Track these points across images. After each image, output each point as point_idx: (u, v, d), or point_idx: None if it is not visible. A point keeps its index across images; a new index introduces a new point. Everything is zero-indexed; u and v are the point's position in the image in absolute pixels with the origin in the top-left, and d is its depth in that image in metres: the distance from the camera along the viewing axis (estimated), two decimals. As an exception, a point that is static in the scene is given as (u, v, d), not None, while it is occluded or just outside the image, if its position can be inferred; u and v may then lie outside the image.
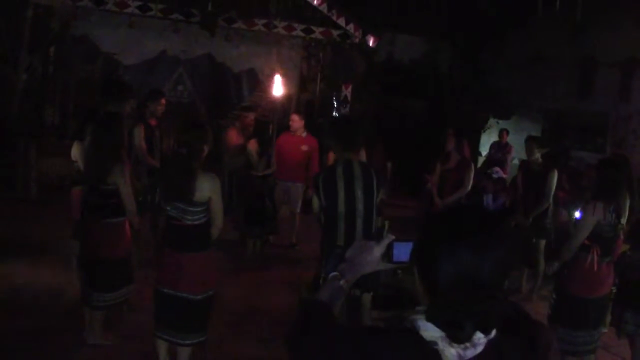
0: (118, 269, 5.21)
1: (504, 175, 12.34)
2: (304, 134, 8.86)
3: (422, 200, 8.52)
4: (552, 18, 12.39)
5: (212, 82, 13.01)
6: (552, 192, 7.71)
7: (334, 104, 12.82)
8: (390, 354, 1.53)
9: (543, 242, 7.85)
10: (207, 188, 4.39)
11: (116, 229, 5.18)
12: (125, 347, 5.35)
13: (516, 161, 12.66)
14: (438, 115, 13.61)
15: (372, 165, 5.78)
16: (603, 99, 12.49)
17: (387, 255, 1.89)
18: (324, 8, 11.64)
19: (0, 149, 10.22)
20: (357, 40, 12.18)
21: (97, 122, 5.16)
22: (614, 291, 5.77)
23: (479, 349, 1.52)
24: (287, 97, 12.66)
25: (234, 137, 8.71)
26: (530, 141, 8.04)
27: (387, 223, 2.26)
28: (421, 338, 1.52)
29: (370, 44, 12.41)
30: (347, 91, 12.55)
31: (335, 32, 12.09)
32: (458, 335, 1.49)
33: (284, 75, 11.04)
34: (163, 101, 7.54)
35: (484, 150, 14.78)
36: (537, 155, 7.85)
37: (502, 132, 13.97)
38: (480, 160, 14.40)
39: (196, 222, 4.43)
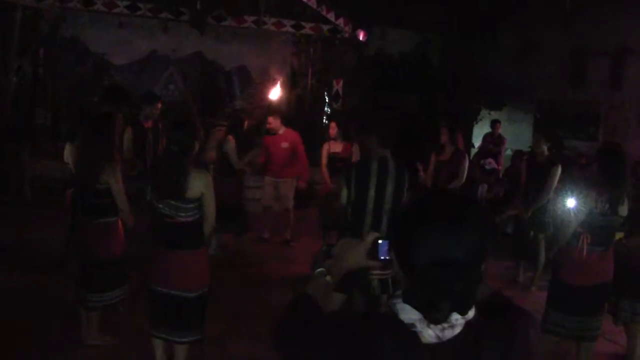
0: (112, 269, 5.19)
1: (497, 167, 12.37)
2: (282, 131, 8.88)
3: (416, 192, 8.51)
4: (543, 8, 12.46)
5: (203, 80, 13.01)
6: (554, 187, 7.70)
7: (325, 99, 12.82)
8: (368, 338, 1.56)
9: (542, 236, 7.86)
10: (199, 185, 4.37)
11: (109, 228, 5.16)
12: (122, 346, 5.33)
13: (509, 152, 12.67)
14: (430, 108, 13.61)
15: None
16: (595, 87, 12.50)
17: (372, 252, 1.90)
18: (313, 3, 11.64)
19: (-8, 152, 10.20)
20: (347, 35, 12.19)
21: (89, 121, 5.15)
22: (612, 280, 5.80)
23: (457, 330, 1.54)
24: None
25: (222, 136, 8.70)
26: (538, 134, 8.10)
27: None
28: (399, 321, 1.55)
29: (361, 38, 12.42)
30: (338, 86, 12.56)
31: (325, 27, 12.10)
32: (435, 316, 1.52)
33: (274, 72, 11.08)
34: (159, 105, 7.52)
35: (477, 142, 14.78)
36: (544, 147, 7.83)
37: (495, 124, 13.96)
38: (473, 151, 14.40)
39: (189, 219, 4.41)
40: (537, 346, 1.78)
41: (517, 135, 13.86)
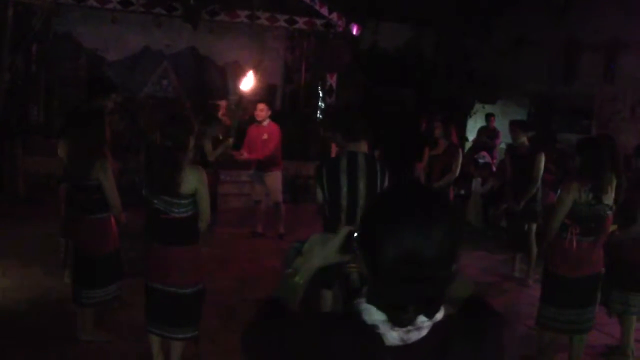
0: (106, 265, 5.19)
1: (491, 160, 12.39)
2: (266, 123, 8.86)
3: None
4: (536, 2, 12.47)
5: (196, 75, 12.98)
6: (540, 176, 7.74)
7: (319, 94, 12.81)
8: (329, 339, 1.50)
9: (534, 226, 7.89)
10: (193, 180, 4.37)
11: (101, 224, 5.16)
12: (118, 342, 5.33)
13: (503, 145, 12.70)
14: (424, 102, 13.62)
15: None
16: (588, 81, 12.53)
17: (345, 247, 1.80)
18: (307, -2, 11.63)
19: (-15, 149, 10.18)
20: (340, 29, 12.17)
21: (79, 118, 5.14)
22: (603, 271, 5.82)
23: (423, 332, 1.47)
24: (271, 88, 12.69)
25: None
26: (513, 125, 8.06)
27: None
28: (362, 322, 1.47)
29: (354, 32, 12.41)
30: (332, 81, 12.56)
31: (318, 22, 12.09)
32: (400, 318, 1.44)
33: (267, 67, 11.06)
34: (114, 96, 7.14)
35: (471, 136, 14.81)
36: (523, 139, 7.86)
37: (489, 118, 14.00)
38: (467, 145, 14.43)
39: (183, 215, 4.42)
40: (510, 349, 1.67)
41: (511, 128, 13.87)
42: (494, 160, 12.73)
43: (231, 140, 8.33)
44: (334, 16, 12.02)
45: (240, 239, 8.97)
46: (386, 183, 5.01)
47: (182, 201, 4.38)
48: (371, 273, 1.49)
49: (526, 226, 7.89)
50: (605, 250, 5.57)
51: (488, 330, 1.64)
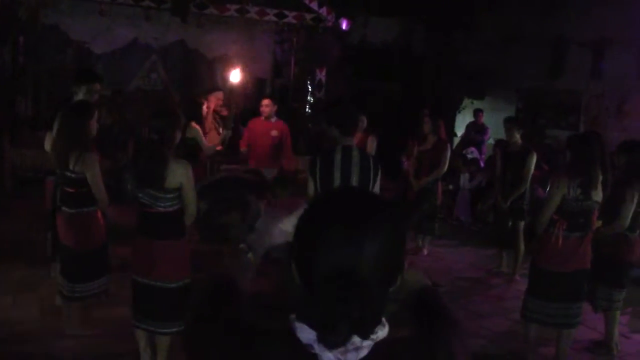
0: (93, 259, 5.17)
1: (479, 156, 12.44)
2: (274, 119, 8.77)
3: (399, 181, 8.57)
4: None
5: (185, 69, 12.93)
6: (530, 176, 7.76)
7: (308, 88, 12.80)
8: (267, 357, 1.38)
9: (522, 224, 7.92)
10: (178, 175, 4.36)
11: (88, 218, 5.14)
12: (105, 337, 5.31)
13: (491, 141, 12.73)
14: (413, 97, 13.63)
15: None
16: (576, 77, 12.56)
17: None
18: (296, -9, 11.62)
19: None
20: (330, 23, 12.16)
21: (65, 110, 5.11)
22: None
23: (363, 352, 1.32)
24: (260, 82, 12.67)
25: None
26: (509, 123, 8.02)
27: None
28: (297, 340, 1.34)
29: (344, 27, 12.40)
30: (321, 75, 12.56)
31: (308, 16, 12.07)
32: (330, 338, 1.29)
33: (257, 61, 11.03)
34: (97, 86, 6.82)
35: (460, 131, 14.84)
36: (517, 136, 7.86)
37: (478, 113, 14.03)
38: (456, 141, 14.46)
39: (169, 209, 4.41)
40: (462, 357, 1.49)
41: (499, 124, 13.84)
42: (482, 156, 12.78)
43: (228, 132, 8.28)
44: (324, 10, 12.01)
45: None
46: (379, 180, 5.02)
47: (168, 195, 4.37)
48: (304, 286, 1.36)
49: (510, 223, 7.91)
50: (591, 247, 5.62)
51: (437, 346, 1.45)
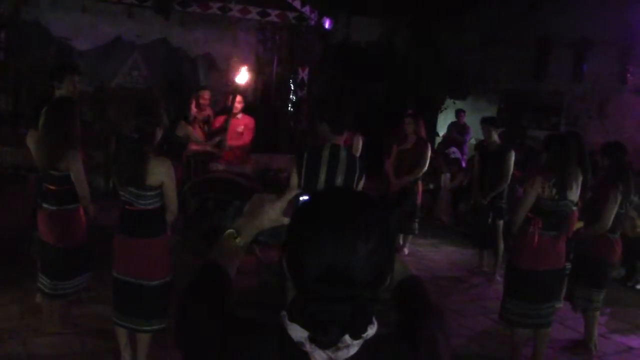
0: (75, 256, 5.15)
1: (461, 156, 12.51)
2: (240, 116, 8.77)
3: (380, 181, 8.59)
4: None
5: (168, 67, 12.86)
6: (510, 173, 7.82)
7: (290, 87, 12.79)
8: (252, 354, 1.39)
9: (501, 223, 7.98)
10: (159, 172, 4.35)
11: (70, 216, 5.12)
12: (85, 334, 5.30)
13: (473, 141, 12.80)
14: (396, 97, 13.67)
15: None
16: (558, 79, 12.67)
17: (292, 210, 1.67)
18: (279, -10, 11.60)
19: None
20: (313, 22, 12.16)
21: (49, 107, 5.08)
22: (569, 267, 5.92)
23: (353, 350, 1.35)
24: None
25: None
26: (486, 123, 8.11)
27: None
28: (289, 338, 1.35)
29: (327, 26, 12.40)
30: (303, 74, 12.56)
31: (291, 15, 12.06)
32: (321, 338, 1.32)
33: (240, 59, 10.96)
34: (76, 78, 6.62)
35: (442, 131, 14.90)
36: (495, 135, 7.95)
37: (460, 113, 14.11)
38: (438, 140, 14.52)
39: (149, 207, 4.40)
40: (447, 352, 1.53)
41: (481, 124, 13.99)
42: (464, 156, 12.86)
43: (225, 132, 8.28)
44: (307, 9, 12.01)
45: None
46: (362, 182, 5.03)
47: (149, 193, 4.36)
48: (296, 285, 1.37)
49: (489, 219, 7.96)
50: (571, 247, 5.67)
51: (419, 345, 1.48)
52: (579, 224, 5.94)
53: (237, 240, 1.71)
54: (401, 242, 8.74)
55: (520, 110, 13.86)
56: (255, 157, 9.52)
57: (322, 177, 4.88)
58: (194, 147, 8.07)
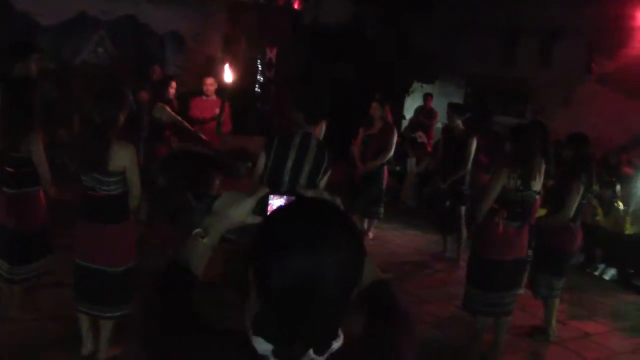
0: (33, 240, 5.06)
1: (427, 140, 12.56)
2: (214, 97, 8.69)
3: (345, 165, 8.58)
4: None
5: (134, 44, 12.66)
6: (471, 159, 7.90)
7: (258, 67, 12.70)
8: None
9: (462, 209, 8.06)
10: (121, 157, 4.28)
11: (31, 198, 5.02)
12: (46, 321, 5.23)
13: (440, 125, 12.85)
14: (365, 80, 13.63)
15: None
16: (525, 66, 12.74)
17: (261, 208, 1.66)
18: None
19: None
20: (282, 2, 12.07)
21: (9, 87, 4.96)
22: (530, 254, 5.99)
23: None
24: (209, 60, 12.49)
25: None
26: (450, 109, 8.24)
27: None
28: (254, 351, 1.32)
29: (296, 6, 12.32)
30: (271, 54, 12.47)
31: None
32: (285, 352, 1.30)
33: (208, 38, 10.88)
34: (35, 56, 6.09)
35: (409, 114, 14.92)
36: (458, 122, 8.01)
37: (427, 97, 14.13)
38: (404, 124, 14.55)
39: (112, 193, 4.33)
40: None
41: (448, 109, 14.03)
42: (430, 141, 12.90)
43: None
44: (276, -11, 11.93)
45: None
46: (327, 176, 4.99)
47: (112, 179, 4.30)
48: (261, 297, 1.33)
49: (448, 204, 8.04)
50: (533, 235, 5.73)
51: (387, 356, 1.47)
52: (541, 211, 6.01)
53: (205, 239, 1.68)
54: (366, 226, 8.74)
55: (487, 96, 13.94)
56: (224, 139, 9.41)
57: (290, 163, 4.83)
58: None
